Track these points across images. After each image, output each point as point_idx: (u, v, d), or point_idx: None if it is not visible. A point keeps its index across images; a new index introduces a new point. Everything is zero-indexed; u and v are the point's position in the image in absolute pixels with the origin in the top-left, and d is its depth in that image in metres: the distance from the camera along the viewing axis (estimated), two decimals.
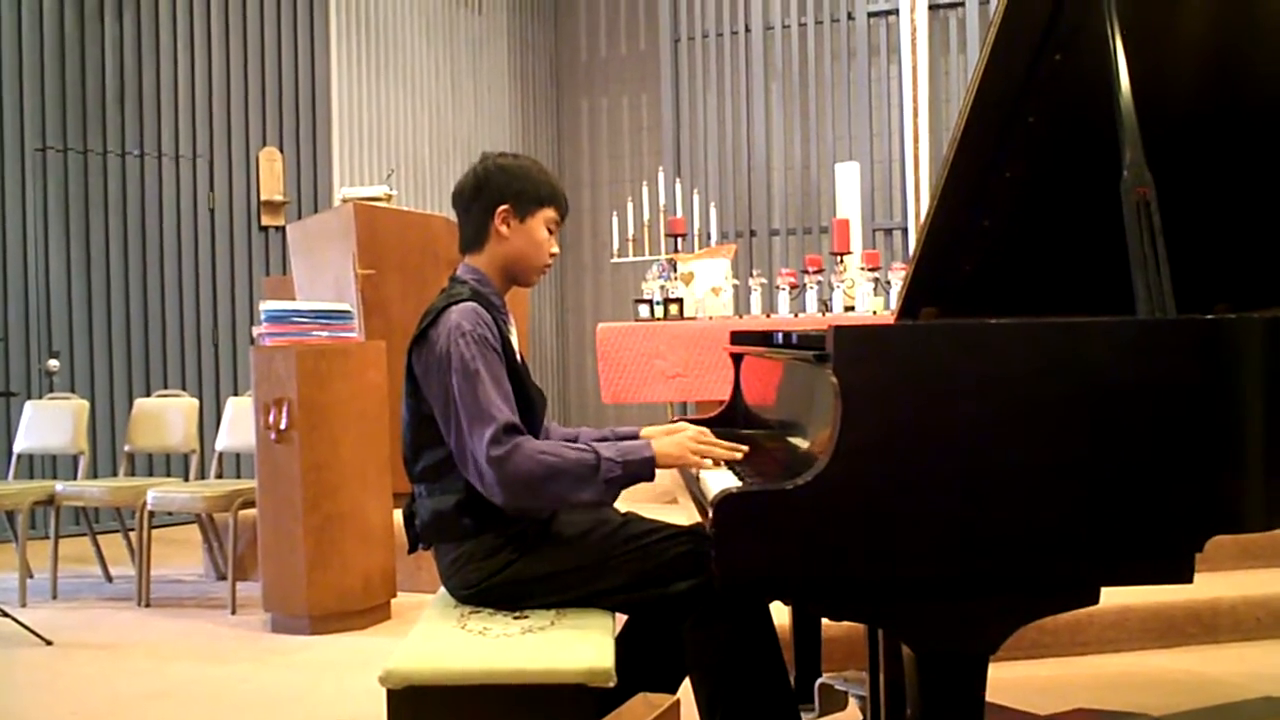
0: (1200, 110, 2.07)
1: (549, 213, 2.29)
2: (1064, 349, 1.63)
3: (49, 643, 3.96)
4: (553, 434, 2.41)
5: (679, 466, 2.17)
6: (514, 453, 2.03)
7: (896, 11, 7.55)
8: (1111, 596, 1.75)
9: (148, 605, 4.58)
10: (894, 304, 3.04)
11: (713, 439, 2.15)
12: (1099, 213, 1.91)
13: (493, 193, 2.26)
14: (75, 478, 5.12)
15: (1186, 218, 1.92)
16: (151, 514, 4.65)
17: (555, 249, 2.33)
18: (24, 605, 4.55)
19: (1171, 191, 1.81)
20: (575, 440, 2.32)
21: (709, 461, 2.10)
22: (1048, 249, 2.12)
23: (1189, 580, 1.64)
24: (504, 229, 2.27)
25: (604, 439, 2.34)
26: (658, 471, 2.09)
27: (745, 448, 2.13)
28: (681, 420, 2.54)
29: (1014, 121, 1.96)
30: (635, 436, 2.29)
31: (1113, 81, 1.82)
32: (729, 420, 2.82)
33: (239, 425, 4.94)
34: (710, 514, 1.64)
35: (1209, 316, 1.67)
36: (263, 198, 7.19)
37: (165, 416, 5.20)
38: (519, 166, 2.29)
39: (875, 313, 5.07)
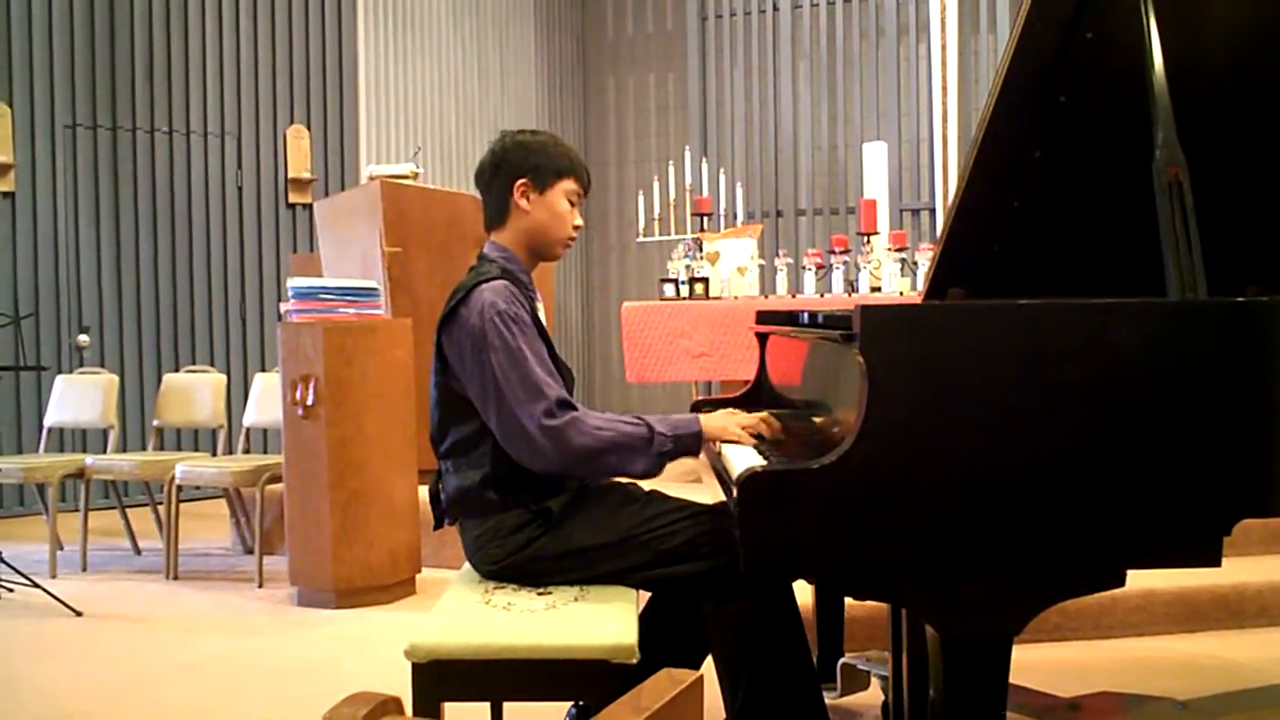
0: (1234, 89, 2.04)
1: (568, 184, 2.30)
2: (1093, 330, 1.61)
3: (78, 614, 4.02)
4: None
5: (721, 439, 2.21)
6: (570, 426, 2.07)
7: None
8: (1136, 580, 1.74)
9: (176, 578, 4.64)
10: (921, 285, 3.03)
11: (756, 418, 2.25)
12: (1130, 193, 1.89)
13: (511, 167, 2.27)
14: (105, 452, 5.17)
15: (1219, 198, 1.90)
16: (180, 488, 4.70)
17: (578, 221, 2.34)
18: (54, 577, 4.62)
19: (1204, 171, 1.78)
20: None
21: (747, 436, 2.19)
22: (1078, 230, 2.10)
23: (1217, 564, 1.63)
24: (524, 202, 2.27)
25: None
26: None
27: (779, 426, 2.23)
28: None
29: (1045, 101, 1.94)
30: None
31: (1145, 60, 1.80)
32: (754, 400, 2.82)
33: (266, 401, 4.98)
34: (734, 493, 1.64)
35: (1240, 298, 1.65)
36: (290, 175, 7.22)
37: (194, 392, 5.24)
38: (536, 141, 2.30)
39: (902, 293, 5.05)
